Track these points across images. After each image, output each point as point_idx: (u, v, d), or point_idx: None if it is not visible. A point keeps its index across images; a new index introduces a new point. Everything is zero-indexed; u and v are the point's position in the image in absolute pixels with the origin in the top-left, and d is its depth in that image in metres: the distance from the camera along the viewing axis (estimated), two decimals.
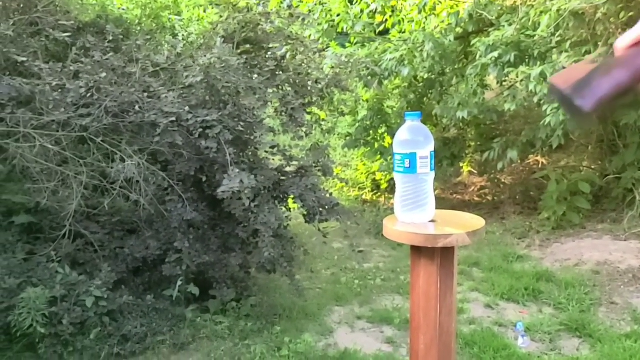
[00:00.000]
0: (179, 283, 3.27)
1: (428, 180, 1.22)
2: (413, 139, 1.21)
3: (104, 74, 2.93)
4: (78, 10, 3.81)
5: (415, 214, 1.23)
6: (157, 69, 3.37)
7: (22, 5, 3.39)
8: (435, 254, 1.18)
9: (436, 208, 1.27)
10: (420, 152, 1.19)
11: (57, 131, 2.86)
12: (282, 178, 3.59)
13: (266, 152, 3.77)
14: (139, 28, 4.12)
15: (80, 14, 3.77)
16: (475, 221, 1.25)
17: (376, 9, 6.33)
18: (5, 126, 2.80)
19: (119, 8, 4.20)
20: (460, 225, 1.21)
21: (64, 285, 2.92)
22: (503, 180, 7.11)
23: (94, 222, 3.37)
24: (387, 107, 6.97)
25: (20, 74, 2.95)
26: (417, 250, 1.21)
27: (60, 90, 2.87)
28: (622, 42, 0.38)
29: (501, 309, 3.75)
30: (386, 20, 6.70)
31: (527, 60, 4.90)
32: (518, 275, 4.27)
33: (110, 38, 3.32)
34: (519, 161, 6.35)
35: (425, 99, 6.67)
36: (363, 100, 6.77)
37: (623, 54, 0.36)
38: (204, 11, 4.62)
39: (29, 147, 2.79)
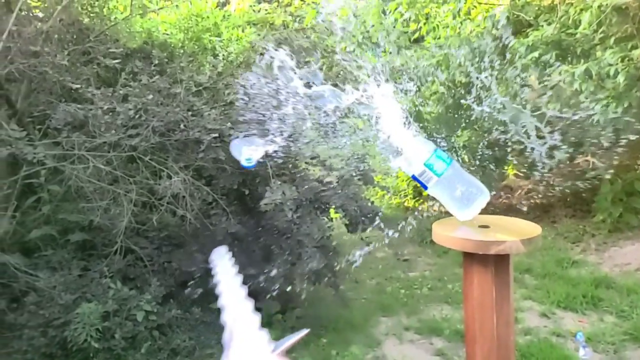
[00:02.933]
0: None
1: (447, 184, 1.17)
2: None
3: (150, 96, 3.07)
4: (126, 38, 4.02)
5: (470, 209, 1.19)
6: (200, 88, 3.49)
7: (75, 37, 3.62)
8: (489, 262, 1.13)
9: (482, 213, 1.23)
10: (414, 171, 1.14)
11: (109, 152, 3.00)
12: (323, 188, 3.60)
13: (306, 163, 3.80)
14: (182, 51, 4.29)
15: (128, 41, 3.97)
16: (531, 228, 1.19)
17: (410, 18, 6.29)
18: (61, 149, 2.98)
19: (164, 33, 4.39)
20: (514, 232, 1.15)
21: (116, 300, 3.03)
22: (552, 182, 6.82)
23: (143, 238, 3.49)
24: (425, 113, 6.87)
25: (74, 100, 3.14)
26: (469, 257, 1.16)
27: (110, 114, 3.03)
28: None
29: (558, 318, 3.56)
30: (420, 27, 6.64)
31: (569, 59, 4.72)
32: (574, 282, 4.05)
33: (156, 62, 3.49)
34: (568, 162, 6.08)
35: (464, 102, 6.54)
36: None
37: None
38: (242, 31, 4.76)
39: (83, 168, 2.94)
